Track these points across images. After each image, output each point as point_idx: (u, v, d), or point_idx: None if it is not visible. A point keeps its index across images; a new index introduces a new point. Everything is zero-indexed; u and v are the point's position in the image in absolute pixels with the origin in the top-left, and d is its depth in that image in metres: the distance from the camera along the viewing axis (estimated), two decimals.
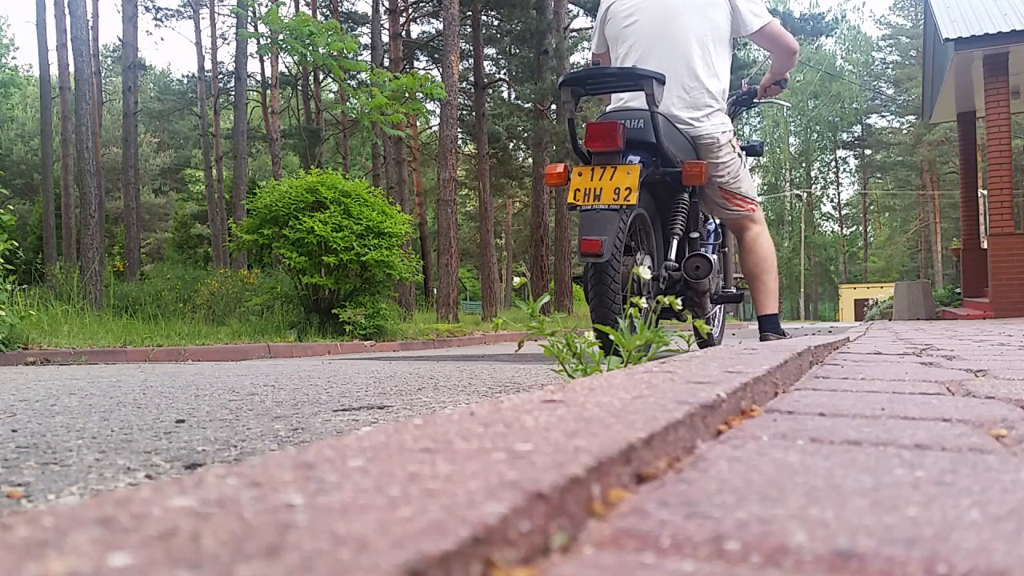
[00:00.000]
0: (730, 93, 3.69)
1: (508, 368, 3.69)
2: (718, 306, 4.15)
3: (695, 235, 3.20)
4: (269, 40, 6.82)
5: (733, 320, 21.25)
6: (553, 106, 18.11)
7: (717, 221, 3.78)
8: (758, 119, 55.67)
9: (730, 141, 3.22)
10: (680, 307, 2.13)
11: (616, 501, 0.48)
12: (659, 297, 2.11)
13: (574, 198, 2.74)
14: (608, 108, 3.23)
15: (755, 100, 3.71)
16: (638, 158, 2.83)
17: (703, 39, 3.12)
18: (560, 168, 2.95)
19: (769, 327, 3.30)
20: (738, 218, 3.37)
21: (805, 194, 56.87)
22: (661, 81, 2.80)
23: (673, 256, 3.08)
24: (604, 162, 2.76)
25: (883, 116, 54.28)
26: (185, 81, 36.49)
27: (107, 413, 1.99)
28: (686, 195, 3.13)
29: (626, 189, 2.67)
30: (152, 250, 34.41)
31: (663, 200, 3.13)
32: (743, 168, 3.33)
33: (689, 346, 2.25)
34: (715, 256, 3.55)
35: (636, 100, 3.07)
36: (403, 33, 23.02)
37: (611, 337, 2.02)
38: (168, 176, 40.04)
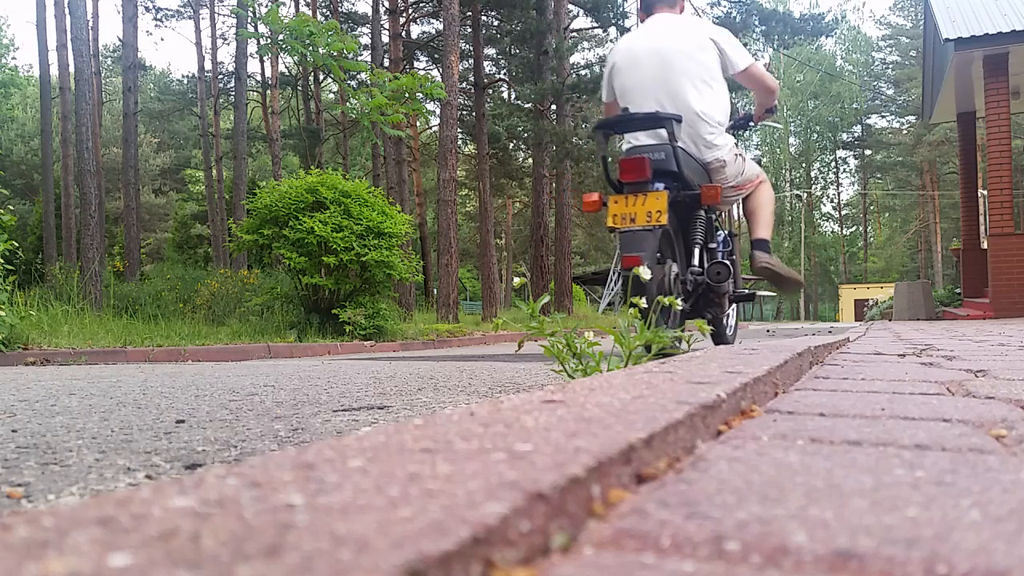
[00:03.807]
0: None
1: (508, 368, 3.69)
2: (732, 306, 4.45)
3: (712, 245, 3.67)
4: (269, 40, 6.82)
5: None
6: (553, 106, 18.10)
7: (726, 231, 4.19)
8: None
9: (734, 154, 3.62)
10: (680, 307, 2.24)
11: (616, 501, 0.48)
12: (659, 297, 2.21)
13: (613, 222, 3.21)
14: (626, 147, 3.67)
15: (751, 124, 4.19)
16: (663, 184, 3.29)
17: (696, 80, 3.54)
18: (595, 197, 3.43)
19: (761, 248, 3.71)
20: (750, 191, 3.82)
21: (805, 194, 56.84)
22: (679, 120, 3.33)
23: (696, 263, 3.54)
24: (636, 190, 3.23)
25: (883, 116, 54.23)
26: (185, 81, 36.43)
27: (107, 413, 1.99)
28: (703, 211, 3.58)
29: (657, 212, 3.14)
30: (152, 250, 34.41)
31: (683, 216, 3.59)
32: (746, 163, 3.72)
33: (689, 345, 2.27)
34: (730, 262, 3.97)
35: (649, 138, 3.52)
36: (403, 33, 23.00)
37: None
38: (168, 176, 40.02)
